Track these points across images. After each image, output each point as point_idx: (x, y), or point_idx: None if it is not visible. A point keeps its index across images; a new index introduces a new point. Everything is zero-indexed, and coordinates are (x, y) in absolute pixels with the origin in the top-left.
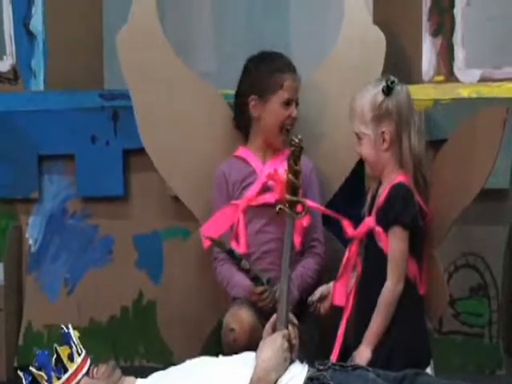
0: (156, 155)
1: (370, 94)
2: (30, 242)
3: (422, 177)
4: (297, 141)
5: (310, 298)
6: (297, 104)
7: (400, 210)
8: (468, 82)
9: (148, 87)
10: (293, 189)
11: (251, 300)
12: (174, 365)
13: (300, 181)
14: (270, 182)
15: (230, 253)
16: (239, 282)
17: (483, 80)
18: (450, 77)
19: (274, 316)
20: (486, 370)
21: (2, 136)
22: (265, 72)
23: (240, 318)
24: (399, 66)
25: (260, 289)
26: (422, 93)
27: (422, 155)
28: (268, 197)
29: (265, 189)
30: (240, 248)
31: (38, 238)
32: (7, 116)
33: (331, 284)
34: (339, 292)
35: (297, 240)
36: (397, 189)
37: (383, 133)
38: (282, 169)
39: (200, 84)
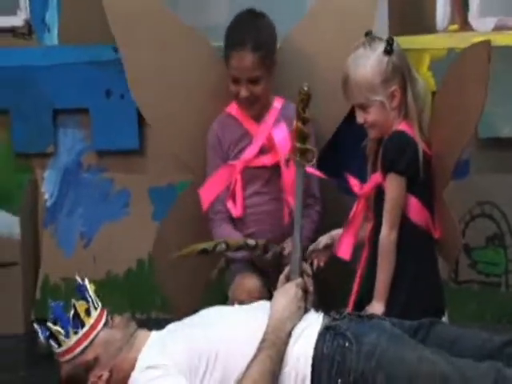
0: (148, 112)
1: (372, 60)
2: (46, 196)
3: (426, 122)
4: (305, 89)
5: (312, 247)
6: (254, 82)
7: (394, 156)
8: (482, 31)
9: (137, 40)
10: (302, 137)
11: (251, 259)
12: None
13: (309, 128)
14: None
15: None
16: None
17: (498, 28)
18: (465, 26)
19: (288, 267)
20: (503, 319)
21: (16, 91)
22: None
23: (247, 287)
24: (413, 15)
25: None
26: (437, 42)
27: (426, 101)
28: (265, 159)
29: (262, 151)
30: (236, 210)
31: (54, 192)
32: (22, 71)
33: (333, 233)
34: (345, 244)
35: (292, 201)
36: (392, 137)
37: (394, 91)
38: (277, 130)
39: (193, 37)
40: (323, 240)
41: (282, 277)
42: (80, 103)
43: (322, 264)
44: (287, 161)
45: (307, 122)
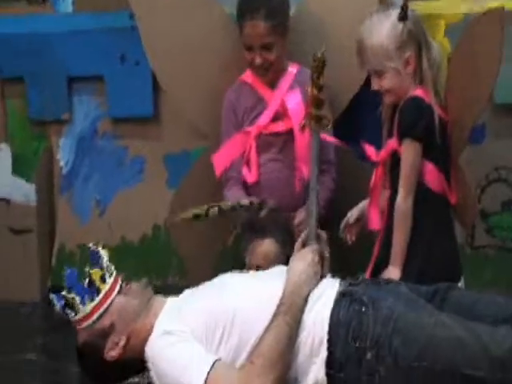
0: (163, 78)
1: (387, 26)
2: (61, 163)
3: (442, 88)
4: (319, 55)
5: (344, 223)
6: (267, 48)
7: (411, 122)
8: None
9: (152, 7)
10: (317, 103)
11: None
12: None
13: (324, 95)
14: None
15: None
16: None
17: None
18: None
19: (305, 232)
20: None
21: (31, 58)
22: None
23: (263, 252)
24: None
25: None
26: (452, 7)
27: (441, 66)
28: (280, 125)
29: (276, 117)
30: (251, 176)
31: (69, 159)
32: (37, 38)
33: (361, 205)
34: (374, 216)
35: (305, 168)
36: (408, 102)
37: (408, 57)
38: (290, 97)
39: (209, 4)
40: (353, 214)
41: (298, 243)
42: (95, 70)
43: (353, 239)
44: (302, 127)
45: (322, 88)
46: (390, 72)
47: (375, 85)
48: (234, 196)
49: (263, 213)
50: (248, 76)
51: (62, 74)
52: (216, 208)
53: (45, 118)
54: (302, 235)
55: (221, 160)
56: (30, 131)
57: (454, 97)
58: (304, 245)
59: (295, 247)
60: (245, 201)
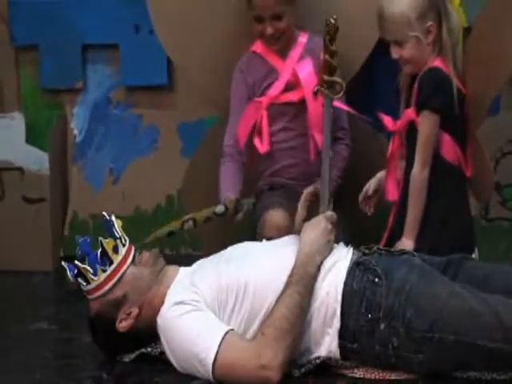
0: (173, 51)
1: None
2: (75, 131)
3: (460, 59)
4: (332, 21)
5: (362, 196)
6: (277, 18)
7: (430, 94)
8: None
9: None
10: (329, 69)
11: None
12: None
13: (336, 61)
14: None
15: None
16: (223, 192)
17: None
18: None
19: (310, 187)
20: None
21: (46, 26)
22: None
23: (275, 224)
24: None
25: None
26: None
27: (460, 37)
28: (291, 95)
29: (288, 87)
30: (262, 146)
31: (83, 127)
32: (51, 6)
33: (379, 176)
34: (391, 187)
35: (318, 136)
36: (428, 73)
37: (429, 26)
38: (302, 66)
39: None
40: (371, 185)
41: (303, 196)
42: (109, 39)
43: (372, 210)
44: (315, 93)
45: (334, 54)
46: (411, 41)
47: (395, 54)
48: (224, 176)
49: (239, 216)
50: (258, 46)
51: (76, 43)
52: (190, 221)
53: (58, 87)
54: (309, 188)
55: (242, 132)
56: (43, 100)
57: (476, 69)
58: (311, 199)
59: (298, 208)
60: (220, 208)
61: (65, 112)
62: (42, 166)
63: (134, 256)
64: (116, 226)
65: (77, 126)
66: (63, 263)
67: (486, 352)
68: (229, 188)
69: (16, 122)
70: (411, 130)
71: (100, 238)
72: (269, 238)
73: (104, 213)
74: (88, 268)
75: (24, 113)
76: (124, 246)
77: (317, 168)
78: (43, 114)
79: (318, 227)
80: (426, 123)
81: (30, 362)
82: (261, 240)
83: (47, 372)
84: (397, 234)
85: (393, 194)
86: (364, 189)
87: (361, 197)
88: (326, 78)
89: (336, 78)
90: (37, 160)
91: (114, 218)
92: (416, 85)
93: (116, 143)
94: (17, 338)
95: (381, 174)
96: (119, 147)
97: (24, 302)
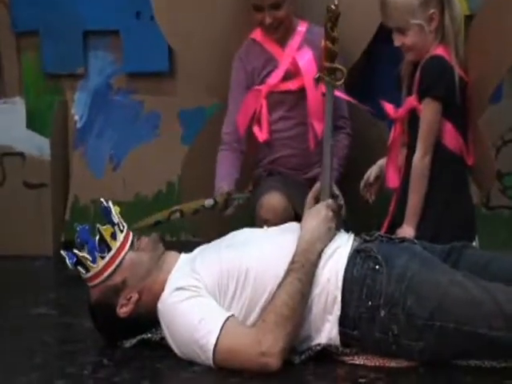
0: (173, 39)
1: None
2: (76, 117)
3: (462, 46)
4: (333, 7)
5: (363, 182)
6: (276, 7)
7: (432, 82)
8: None
9: None
10: (331, 56)
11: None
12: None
13: (338, 47)
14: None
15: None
16: (218, 181)
17: None
18: None
19: (317, 185)
20: None
21: (47, 12)
22: None
23: (272, 206)
24: None
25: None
26: None
27: (462, 25)
28: (291, 84)
29: (287, 76)
30: (262, 134)
31: (84, 113)
32: None
33: (380, 163)
34: (392, 174)
35: (317, 125)
36: (430, 61)
37: (432, 13)
38: (301, 54)
39: None
40: (373, 172)
41: (310, 197)
42: (110, 25)
43: (373, 198)
44: (317, 80)
45: (336, 41)
46: (414, 29)
47: (397, 41)
48: (222, 162)
49: (229, 211)
50: (258, 34)
51: (77, 28)
52: (178, 213)
53: (59, 72)
54: (314, 188)
55: (242, 120)
56: (44, 85)
57: (478, 58)
58: (317, 200)
59: (307, 201)
60: (209, 201)
61: (66, 97)
62: (43, 152)
63: (133, 241)
64: (113, 212)
65: (78, 112)
66: (62, 252)
67: (486, 340)
68: (224, 177)
69: (17, 108)
70: (413, 117)
71: (98, 225)
72: (266, 221)
73: (102, 199)
74: (87, 256)
75: (25, 98)
76: (122, 232)
77: (316, 157)
78: (44, 99)
79: (318, 215)
80: (428, 111)
81: (30, 346)
82: (259, 224)
83: (48, 357)
84: (398, 221)
85: (393, 181)
86: (365, 176)
87: (362, 184)
88: (327, 64)
89: (337, 65)
90: (38, 145)
91: (111, 204)
92: (418, 72)
93: (117, 129)
94: (17, 322)
95: (382, 162)
96: (120, 133)
97: (25, 286)
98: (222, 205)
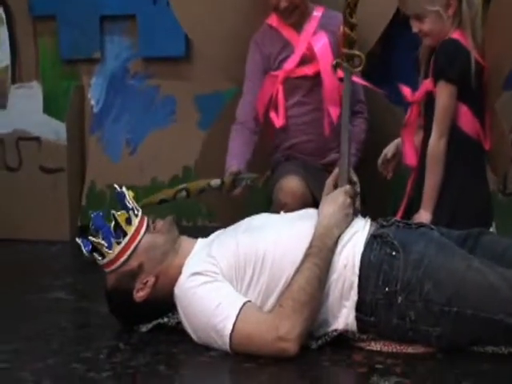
0: (188, 24)
1: None
2: (92, 102)
3: (479, 31)
4: None
5: (381, 159)
6: None
7: (445, 64)
8: None
9: None
10: (349, 42)
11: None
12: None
13: (356, 34)
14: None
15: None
16: (229, 160)
17: None
18: None
19: (335, 170)
20: None
21: None
22: None
23: (290, 190)
24: None
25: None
26: None
27: (479, 9)
28: (307, 69)
29: (302, 61)
30: (278, 120)
31: (100, 98)
32: None
33: (396, 141)
34: (409, 151)
35: (333, 110)
36: (445, 44)
37: (449, 0)
38: (317, 39)
39: None
40: (390, 150)
41: (328, 181)
42: (127, 9)
43: (391, 175)
44: (334, 67)
45: (354, 27)
46: (431, 15)
47: (415, 28)
48: (233, 145)
49: (237, 191)
50: (273, 19)
51: (94, 13)
52: (184, 192)
53: (76, 57)
54: (333, 173)
55: (259, 106)
56: (61, 70)
57: (495, 41)
58: (335, 185)
59: (326, 186)
60: (215, 181)
61: (82, 82)
62: (60, 136)
63: (148, 224)
64: (128, 197)
65: (94, 97)
66: (77, 240)
67: (503, 326)
68: (235, 155)
69: (34, 92)
70: (429, 100)
71: (112, 211)
72: (283, 204)
73: (115, 185)
74: (102, 242)
75: (42, 83)
76: (137, 216)
77: (333, 143)
78: (61, 84)
79: (336, 201)
80: (443, 94)
81: (47, 331)
82: (277, 209)
83: (64, 341)
84: (415, 206)
85: (410, 158)
86: (383, 153)
87: (380, 161)
88: (345, 51)
89: (356, 52)
90: (54, 130)
91: (125, 189)
92: (433, 56)
93: (133, 114)
94: (34, 306)
95: (398, 140)
96: (136, 118)
97: (42, 271)
98: (229, 185)
